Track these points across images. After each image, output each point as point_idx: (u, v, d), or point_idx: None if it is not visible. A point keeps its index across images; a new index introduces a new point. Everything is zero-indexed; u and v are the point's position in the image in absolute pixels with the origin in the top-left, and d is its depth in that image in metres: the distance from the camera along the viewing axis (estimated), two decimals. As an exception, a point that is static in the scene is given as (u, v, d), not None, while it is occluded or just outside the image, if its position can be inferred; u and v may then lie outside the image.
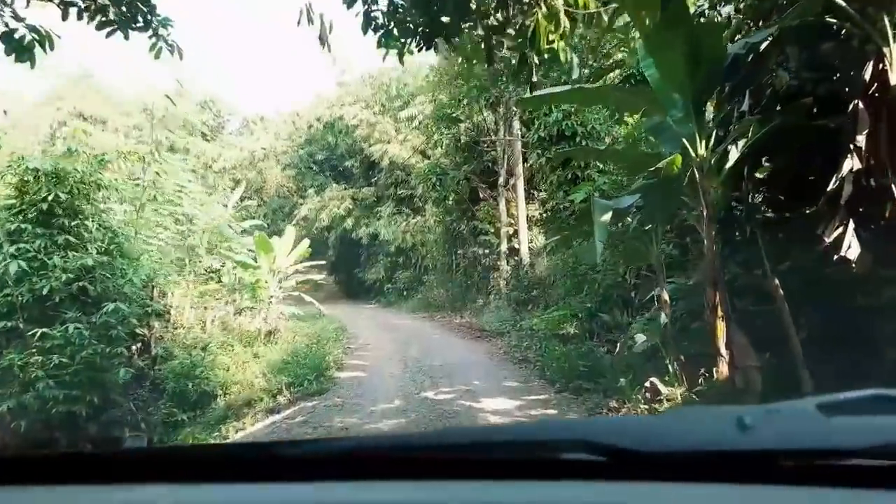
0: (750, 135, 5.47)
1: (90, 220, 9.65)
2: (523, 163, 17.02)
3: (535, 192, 18.12)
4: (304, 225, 30.74)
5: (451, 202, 18.26)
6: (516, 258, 16.31)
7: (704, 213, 5.32)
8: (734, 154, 5.61)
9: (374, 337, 14.09)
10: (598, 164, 12.04)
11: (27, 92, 32.46)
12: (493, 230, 17.73)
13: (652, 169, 5.24)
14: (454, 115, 16.80)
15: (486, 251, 17.94)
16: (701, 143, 5.38)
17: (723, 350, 5.26)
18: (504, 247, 17.30)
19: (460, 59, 16.55)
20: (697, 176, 5.44)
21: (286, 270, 12.93)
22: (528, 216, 17.06)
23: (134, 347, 10.36)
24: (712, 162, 5.48)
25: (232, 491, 0.97)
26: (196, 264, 13.11)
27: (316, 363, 9.26)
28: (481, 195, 18.33)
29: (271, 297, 12.18)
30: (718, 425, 0.96)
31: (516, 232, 17.02)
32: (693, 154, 5.37)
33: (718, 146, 5.53)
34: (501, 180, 17.47)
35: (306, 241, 14.36)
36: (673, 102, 5.41)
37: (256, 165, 33.00)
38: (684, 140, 5.39)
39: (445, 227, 20.41)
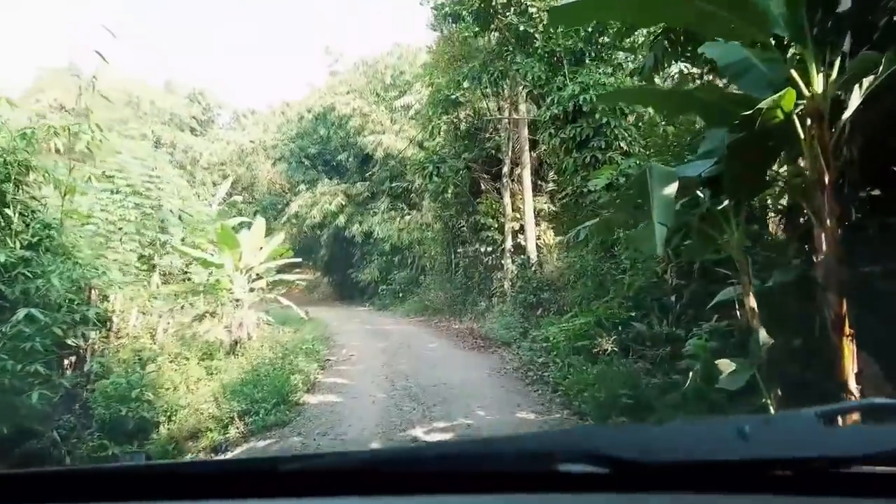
0: (880, 70, 3.71)
1: (11, 207, 7.92)
2: (530, 150, 15.27)
3: (543, 184, 16.38)
4: (294, 223, 29.03)
5: (449, 195, 16.49)
6: (522, 256, 14.53)
7: (826, 180, 3.55)
8: (855, 100, 3.85)
9: (362, 346, 12.30)
10: (622, 143, 10.31)
11: (10, 87, 30.77)
12: (496, 225, 15.96)
13: (746, 114, 3.47)
14: (453, 96, 15.04)
15: (489, 249, 16.16)
16: (818, 75, 3.61)
17: (852, 383, 3.49)
18: (509, 244, 15.54)
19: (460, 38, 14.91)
20: (801, 128, 3.67)
21: (257, 269, 11.09)
22: (535, 209, 15.30)
23: (66, 362, 8.62)
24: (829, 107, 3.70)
25: None
26: (160, 262, 11.39)
27: (278, 385, 7.44)
28: (483, 187, 16.56)
29: (238, 300, 10.37)
30: (719, 435, 0.96)
31: (522, 227, 15.27)
32: (807, 92, 3.60)
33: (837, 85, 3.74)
34: (506, 169, 15.70)
35: (281, 236, 12.55)
36: (775, 18, 3.65)
37: (245, 160, 31.26)
38: (793, 73, 3.62)
39: (444, 223, 18.64)
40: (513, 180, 15.93)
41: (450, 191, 16.77)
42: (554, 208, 15.83)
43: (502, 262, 15.62)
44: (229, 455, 5.91)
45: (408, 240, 23.77)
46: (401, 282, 23.74)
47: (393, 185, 24.96)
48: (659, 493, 0.87)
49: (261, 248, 11.10)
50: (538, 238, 15.23)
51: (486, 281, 16.72)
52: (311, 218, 27.10)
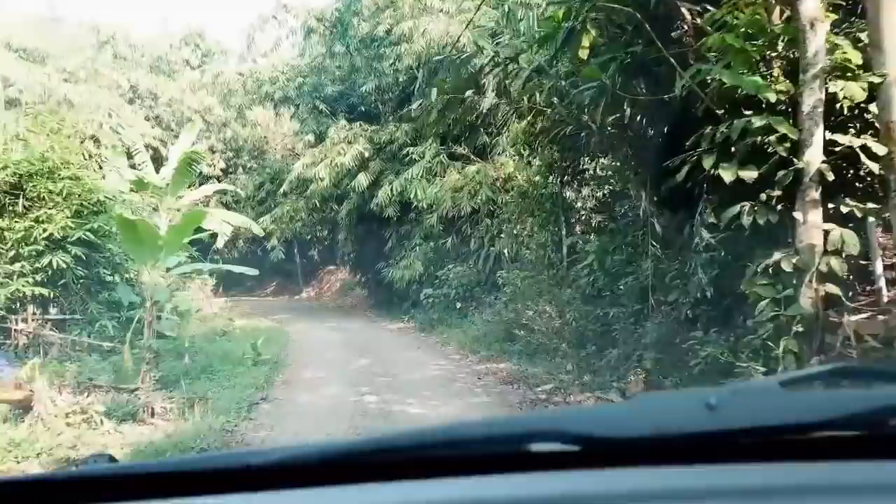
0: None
1: None
2: None
3: None
4: (301, 193, 18.93)
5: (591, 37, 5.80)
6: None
7: None
8: None
9: None
10: None
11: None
12: (780, 88, 5.01)
13: None
14: None
15: (689, 190, 5.13)
16: None
17: None
18: (816, 155, 4.64)
19: None
20: None
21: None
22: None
23: None
24: None
25: None
26: None
27: None
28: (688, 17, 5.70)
29: None
30: (687, 408, 0.98)
31: (871, 95, 4.41)
32: None
33: None
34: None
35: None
36: None
37: (229, 101, 21.50)
38: None
39: (554, 145, 7.96)
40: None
41: (589, 36, 6.12)
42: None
43: (802, 214, 4.70)
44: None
45: (471, 208, 13.32)
46: (458, 283, 13.31)
47: (445, 117, 14.39)
48: (629, 467, 0.87)
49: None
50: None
51: (678, 281, 5.90)
52: (317, 181, 16.87)
